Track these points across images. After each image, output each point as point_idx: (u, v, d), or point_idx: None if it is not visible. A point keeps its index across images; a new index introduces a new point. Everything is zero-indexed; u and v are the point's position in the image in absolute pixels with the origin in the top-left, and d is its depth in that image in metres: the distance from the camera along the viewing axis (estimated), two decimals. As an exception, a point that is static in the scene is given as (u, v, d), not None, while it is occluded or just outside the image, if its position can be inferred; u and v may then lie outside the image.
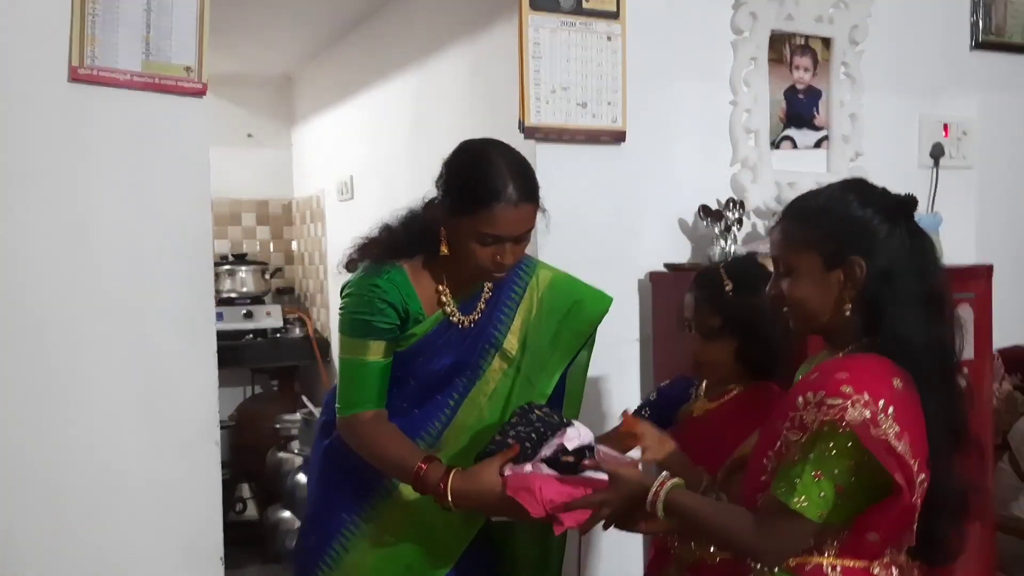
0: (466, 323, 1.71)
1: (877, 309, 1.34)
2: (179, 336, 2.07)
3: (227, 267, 4.24)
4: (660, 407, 1.87)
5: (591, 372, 1.92)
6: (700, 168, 2.59)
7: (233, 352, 3.90)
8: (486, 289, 1.73)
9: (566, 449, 1.55)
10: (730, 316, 1.67)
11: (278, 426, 3.81)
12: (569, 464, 1.54)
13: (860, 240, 1.35)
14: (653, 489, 1.39)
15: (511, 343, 1.75)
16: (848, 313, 1.35)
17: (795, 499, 1.25)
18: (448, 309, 1.69)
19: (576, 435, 1.56)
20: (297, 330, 4.26)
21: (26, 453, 1.91)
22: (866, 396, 1.24)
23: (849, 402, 1.23)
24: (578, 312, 1.79)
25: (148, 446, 2.04)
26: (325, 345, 4.23)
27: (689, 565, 1.70)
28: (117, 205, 1.99)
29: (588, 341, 1.84)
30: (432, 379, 1.72)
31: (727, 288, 1.68)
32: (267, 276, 4.37)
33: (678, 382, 1.89)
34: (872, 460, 1.23)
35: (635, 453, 1.70)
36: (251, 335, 4.13)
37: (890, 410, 1.24)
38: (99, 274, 1.97)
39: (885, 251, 1.34)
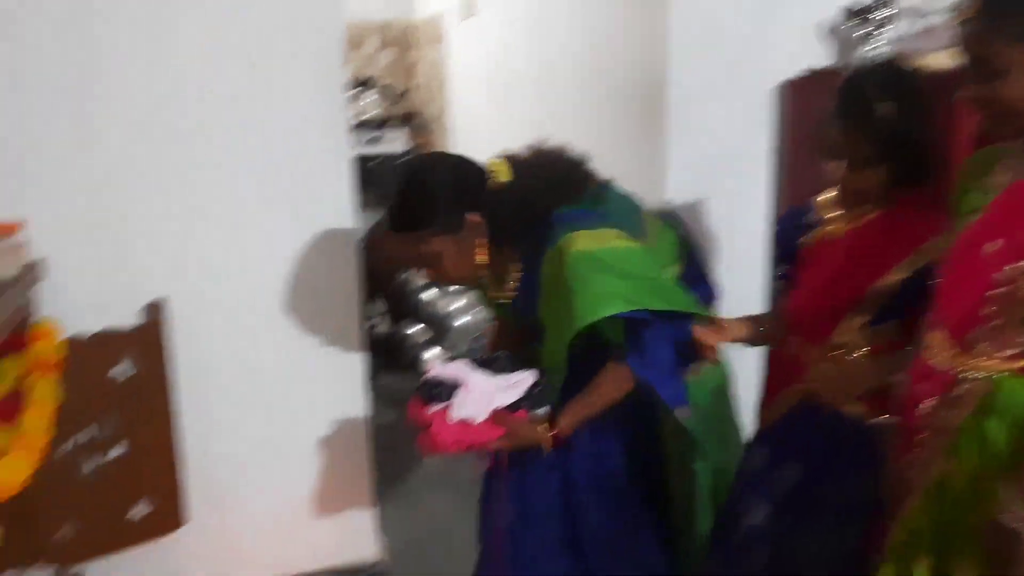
0: (504, 296, 1.84)
1: None
2: (315, 154, 2.15)
3: (352, 92, 4.29)
4: (781, 242, 1.79)
5: (721, 190, 1.86)
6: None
7: (360, 177, 4.00)
8: (513, 268, 1.79)
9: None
10: (881, 141, 1.51)
11: (406, 246, 3.95)
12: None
13: None
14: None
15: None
16: None
17: None
18: (483, 282, 1.85)
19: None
20: (422, 155, 4.33)
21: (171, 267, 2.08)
22: None
23: None
24: (567, 326, 1.65)
25: (289, 258, 2.17)
26: (449, 169, 4.29)
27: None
28: (252, 20, 2.03)
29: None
30: None
31: (876, 108, 1.50)
32: (392, 101, 4.41)
33: (791, 213, 1.79)
34: None
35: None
36: (377, 160, 4.22)
37: None
38: (239, 83, 2.05)
39: None
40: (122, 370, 2.00)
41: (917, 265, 1.53)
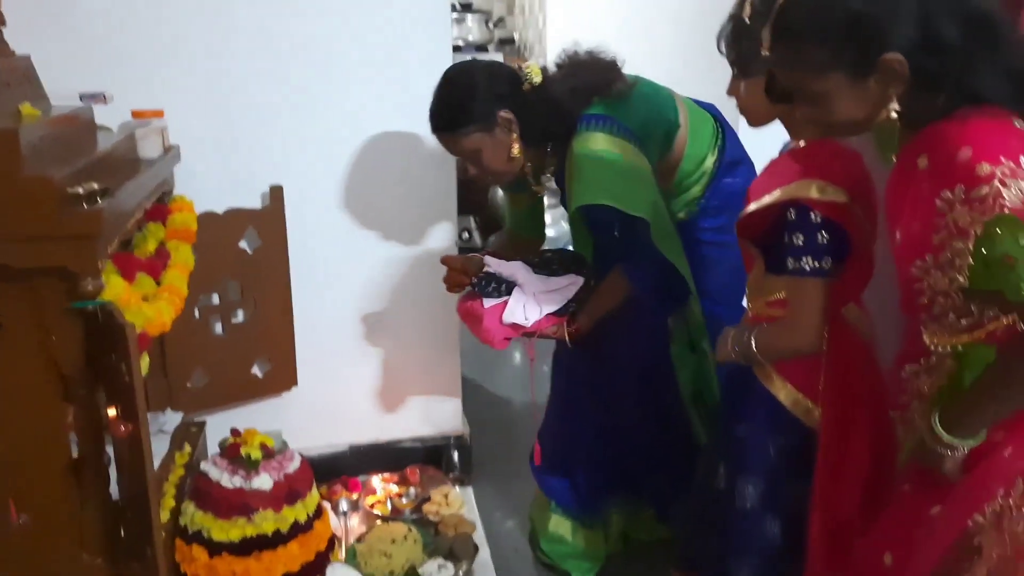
0: (541, 192, 2.11)
1: (934, 81, 1.15)
2: (419, 71, 2.32)
3: (454, 16, 4.48)
4: None
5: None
6: None
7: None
8: (549, 163, 2.00)
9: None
10: (747, 47, 1.44)
11: (498, 163, 4.17)
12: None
13: (880, 32, 1.14)
14: (933, 442, 1.24)
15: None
16: (896, 113, 1.18)
17: None
18: (529, 179, 2.04)
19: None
20: (517, 77, 4.50)
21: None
22: (1008, 163, 1.09)
23: (996, 183, 1.08)
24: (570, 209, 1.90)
25: (391, 165, 2.41)
26: (543, 92, 4.45)
27: None
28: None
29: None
30: None
31: (745, 14, 1.45)
32: (490, 25, 4.58)
33: None
34: None
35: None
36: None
37: None
38: (346, 8, 2.27)
39: (910, 20, 1.13)
40: (249, 243, 2.29)
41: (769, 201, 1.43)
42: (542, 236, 2.28)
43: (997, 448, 1.23)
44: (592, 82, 1.88)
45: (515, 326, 1.91)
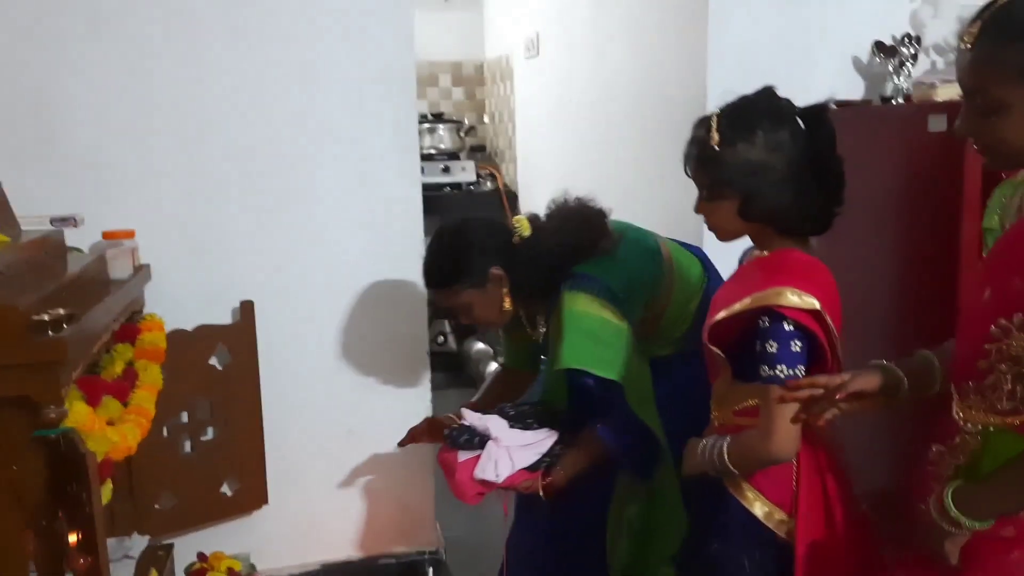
0: (536, 337, 2.06)
1: None
2: (390, 180, 2.43)
3: (427, 126, 4.61)
4: None
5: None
6: (878, 1, 2.56)
7: (432, 203, 4.28)
8: (540, 312, 2.01)
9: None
10: (719, 173, 1.47)
11: (472, 269, 4.22)
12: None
13: None
14: (940, 516, 1.23)
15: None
16: None
17: None
18: (525, 323, 2.05)
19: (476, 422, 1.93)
20: (488, 184, 4.59)
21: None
22: None
23: None
24: (554, 365, 1.89)
25: (363, 273, 2.45)
26: (513, 198, 4.54)
27: None
28: (337, 56, 2.34)
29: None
30: None
31: (713, 141, 1.47)
32: (462, 134, 4.71)
33: None
34: None
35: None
36: (448, 188, 4.51)
37: None
38: (325, 111, 2.35)
39: None
40: (219, 359, 2.28)
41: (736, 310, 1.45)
42: (537, 370, 2.26)
43: (1004, 546, 1.20)
44: (577, 242, 1.91)
45: (486, 483, 1.90)
